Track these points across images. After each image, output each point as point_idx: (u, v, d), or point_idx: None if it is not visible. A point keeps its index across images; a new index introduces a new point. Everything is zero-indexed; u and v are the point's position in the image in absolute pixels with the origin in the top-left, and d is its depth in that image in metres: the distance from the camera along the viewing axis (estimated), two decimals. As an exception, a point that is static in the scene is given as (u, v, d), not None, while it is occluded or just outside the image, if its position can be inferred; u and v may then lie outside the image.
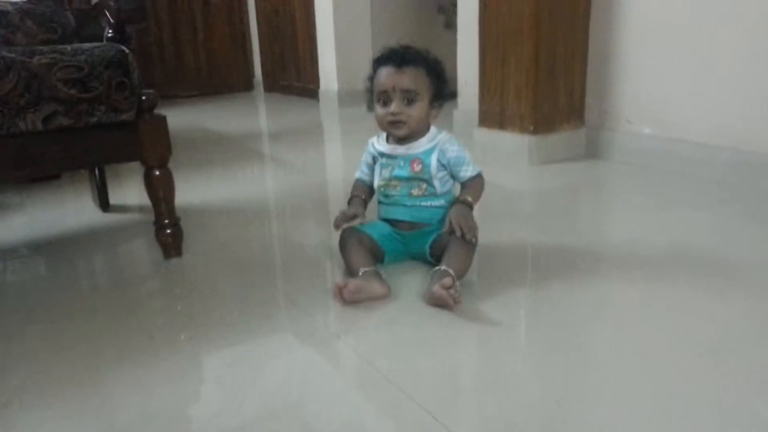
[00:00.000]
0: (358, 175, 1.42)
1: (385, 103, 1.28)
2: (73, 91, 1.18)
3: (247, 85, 5.34)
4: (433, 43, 1.31)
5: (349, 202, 1.38)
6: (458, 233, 1.21)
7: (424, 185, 1.32)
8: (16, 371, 1.01)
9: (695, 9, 1.96)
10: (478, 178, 1.33)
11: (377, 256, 1.33)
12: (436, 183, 1.31)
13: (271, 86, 5.12)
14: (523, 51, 2.17)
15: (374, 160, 1.38)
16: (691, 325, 1.07)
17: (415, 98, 1.26)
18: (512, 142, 2.29)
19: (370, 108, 1.33)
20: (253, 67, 5.36)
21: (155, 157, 1.32)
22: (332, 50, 3.97)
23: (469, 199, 1.29)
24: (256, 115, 4.20)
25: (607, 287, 1.24)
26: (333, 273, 1.36)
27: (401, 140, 1.32)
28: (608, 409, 0.85)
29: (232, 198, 2.04)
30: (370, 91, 1.32)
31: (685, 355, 0.97)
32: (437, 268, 1.19)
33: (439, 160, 1.30)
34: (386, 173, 1.34)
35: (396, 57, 1.27)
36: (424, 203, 1.33)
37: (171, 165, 1.39)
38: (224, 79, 5.22)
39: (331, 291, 1.23)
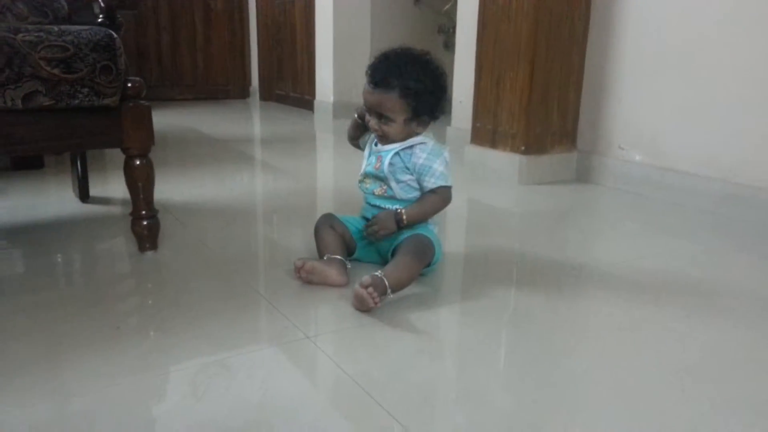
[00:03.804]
0: None
1: (371, 113, 1.27)
2: (56, 71, 1.15)
3: (243, 93, 5.33)
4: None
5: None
6: (365, 232, 1.28)
7: (384, 186, 1.30)
8: (-30, 353, 0.97)
9: (690, 40, 1.96)
10: (437, 195, 1.26)
11: (349, 248, 1.32)
12: (393, 185, 1.27)
13: (267, 95, 5.11)
14: (519, 72, 2.17)
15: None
16: (669, 347, 1.05)
17: (388, 118, 1.24)
18: (503, 161, 2.28)
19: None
20: (250, 74, 5.35)
21: (137, 145, 1.29)
22: (330, 63, 3.97)
23: (405, 216, 1.24)
24: (250, 121, 4.18)
25: (588, 306, 1.21)
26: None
27: None
28: (581, 427, 0.82)
29: (217, 198, 2.01)
30: None
31: (661, 377, 0.95)
32: (372, 273, 1.14)
33: (403, 161, 1.26)
34: (363, 168, 1.33)
35: (375, 75, 1.23)
36: (384, 205, 1.30)
37: (159, 162, 1.35)
38: (220, 85, 5.21)
39: (309, 291, 1.21)
